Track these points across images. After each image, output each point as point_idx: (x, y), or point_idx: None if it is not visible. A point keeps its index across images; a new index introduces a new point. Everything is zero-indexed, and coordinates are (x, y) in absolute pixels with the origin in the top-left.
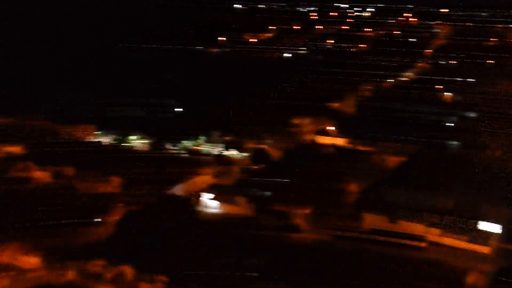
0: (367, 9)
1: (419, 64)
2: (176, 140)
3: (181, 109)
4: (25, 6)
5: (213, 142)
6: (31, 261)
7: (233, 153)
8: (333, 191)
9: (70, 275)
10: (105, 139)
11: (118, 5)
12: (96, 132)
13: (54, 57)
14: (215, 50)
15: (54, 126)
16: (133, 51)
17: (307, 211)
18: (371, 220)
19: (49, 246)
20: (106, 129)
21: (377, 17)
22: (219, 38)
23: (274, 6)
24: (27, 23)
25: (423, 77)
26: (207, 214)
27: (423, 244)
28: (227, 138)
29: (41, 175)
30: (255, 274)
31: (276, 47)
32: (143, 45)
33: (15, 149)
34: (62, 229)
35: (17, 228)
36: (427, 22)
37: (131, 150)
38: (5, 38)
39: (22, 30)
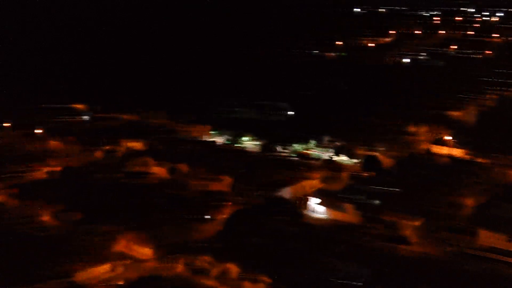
0: (497, 14)
1: None
2: (286, 143)
3: (293, 112)
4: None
5: (323, 147)
6: (144, 251)
7: (343, 158)
8: (447, 204)
9: (179, 268)
10: (219, 139)
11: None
12: (211, 132)
13: (179, 58)
14: (331, 54)
15: (173, 124)
16: (255, 55)
17: (417, 222)
18: (487, 237)
19: (161, 239)
20: (220, 130)
21: (507, 22)
22: (336, 43)
23: (395, 10)
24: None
25: None
26: (313, 218)
27: None
28: (338, 143)
29: (158, 170)
30: (359, 284)
31: (395, 52)
32: (264, 50)
33: (137, 144)
34: (174, 224)
35: (134, 219)
36: None
37: (242, 151)
38: (135, 40)
39: (155, 33)
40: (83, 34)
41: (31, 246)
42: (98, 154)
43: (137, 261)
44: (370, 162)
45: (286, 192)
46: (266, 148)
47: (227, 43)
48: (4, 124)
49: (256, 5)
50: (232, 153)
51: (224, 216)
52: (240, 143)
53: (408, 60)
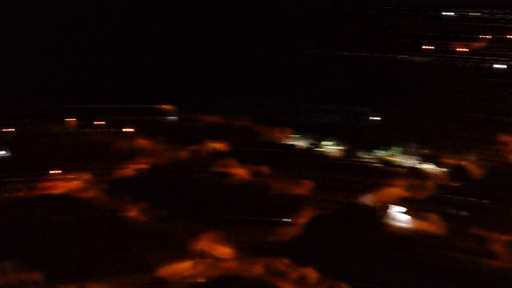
0: None
1: None
2: (369, 149)
3: (377, 118)
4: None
5: (408, 154)
6: (225, 251)
7: (429, 167)
8: None
9: (258, 269)
10: (301, 143)
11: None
12: (293, 135)
13: (261, 60)
14: (419, 59)
15: (256, 126)
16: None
17: (507, 238)
18: None
19: (241, 239)
20: (302, 133)
21: None
22: (424, 47)
23: (487, 14)
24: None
25: None
26: (395, 227)
27: None
28: (423, 150)
29: (240, 172)
30: None
31: (487, 57)
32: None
33: (220, 145)
34: (255, 225)
35: (215, 219)
36: None
37: (324, 156)
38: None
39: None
40: (169, 35)
41: (118, 239)
42: (184, 153)
43: (218, 260)
44: (458, 172)
45: (368, 199)
46: (349, 153)
47: (309, 45)
48: (96, 122)
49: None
50: (313, 157)
51: (304, 220)
52: (322, 148)
53: (502, 66)
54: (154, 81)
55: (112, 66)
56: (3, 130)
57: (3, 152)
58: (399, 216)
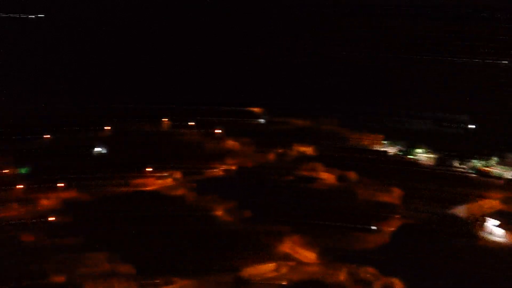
0: None
1: None
2: (465, 158)
3: (473, 126)
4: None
5: (507, 165)
6: (308, 255)
7: None
8: None
9: (341, 276)
10: (391, 149)
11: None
12: (383, 142)
13: (350, 64)
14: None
15: (345, 131)
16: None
17: None
18: None
19: (325, 244)
20: (393, 140)
21: None
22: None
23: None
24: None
25: None
26: (489, 241)
27: None
28: None
29: (327, 176)
30: None
31: None
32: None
33: (307, 149)
34: (340, 231)
35: (300, 222)
36: None
37: (415, 163)
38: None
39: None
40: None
41: (203, 238)
42: (271, 156)
43: (301, 263)
44: None
45: (461, 211)
46: (442, 161)
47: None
48: (189, 123)
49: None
50: (404, 164)
51: (391, 228)
52: (413, 155)
53: None
54: (245, 84)
55: (204, 69)
56: (102, 128)
57: (100, 149)
58: (493, 229)
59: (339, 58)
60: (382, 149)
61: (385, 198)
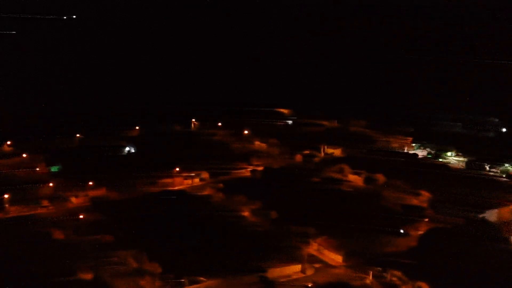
0: None
1: None
2: (496, 162)
3: (504, 129)
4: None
5: None
6: (334, 257)
7: None
8: None
9: (368, 279)
10: (420, 152)
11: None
12: (412, 144)
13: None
14: None
15: (373, 133)
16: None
17: None
18: None
19: (352, 247)
20: (422, 142)
21: None
22: None
23: None
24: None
25: None
26: None
27: None
28: None
29: (354, 178)
30: None
31: None
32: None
33: (335, 151)
34: (367, 234)
35: (327, 224)
36: None
37: (445, 166)
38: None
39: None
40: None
41: (229, 238)
42: (298, 157)
43: (327, 266)
44: None
45: (492, 215)
46: (472, 165)
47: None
48: (217, 124)
49: None
50: (433, 167)
51: (420, 232)
52: (443, 158)
53: None
54: (273, 85)
55: (233, 70)
56: (131, 128)
57: (129, 149)
58: None
59: (369, 60)
60: (411, 151)
61: (413, 201)
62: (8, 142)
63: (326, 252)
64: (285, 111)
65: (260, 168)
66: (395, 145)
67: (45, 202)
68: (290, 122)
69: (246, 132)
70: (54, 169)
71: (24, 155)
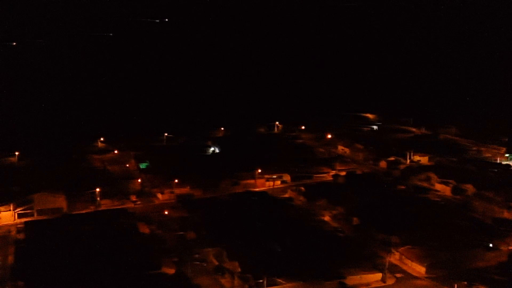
0: None
1: None
2: None
3: None
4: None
5: None
6: (418, 269)
7: None
8: None
9: None
10: None
11: None
12: (506, 155)
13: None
14: None
15: (464, 142)
16: None
17: None
18: None
19: (436, 259)
20: None
21: None
22: None
23: None
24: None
25: None
26: None
27: None
28: None
29: (441, 188)
30: None
31: None
32: None
33: (423, 158)
34: (453, 246)
35: (412, 234)
36: None
37: None
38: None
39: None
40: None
41: (309, 242)
42: (382, 163)
43: (409, 276)
44: None
45: None
46: None
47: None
48: (301, 127)
49: None
50: None
51: (511, 247)
52: None
53: None
54: (359, 89)
55: (318, 74)
56: (216, 129)
57: (213, 149)
58: None
59: (464, 66)
60: (504, 162)
61: (505, 214)
62: (101, 139)
63: (408, 262)
64: (370, 116)
65: (343, 173)
66: (487, 155)
67: (133, 197)
68: (375, 127)
69: (329, 136)
70: (143, 165)
71: (116, 152)
